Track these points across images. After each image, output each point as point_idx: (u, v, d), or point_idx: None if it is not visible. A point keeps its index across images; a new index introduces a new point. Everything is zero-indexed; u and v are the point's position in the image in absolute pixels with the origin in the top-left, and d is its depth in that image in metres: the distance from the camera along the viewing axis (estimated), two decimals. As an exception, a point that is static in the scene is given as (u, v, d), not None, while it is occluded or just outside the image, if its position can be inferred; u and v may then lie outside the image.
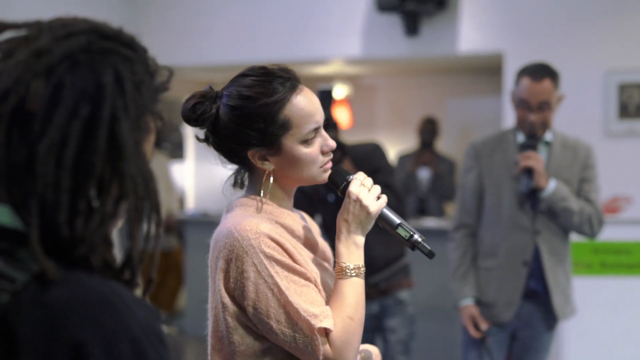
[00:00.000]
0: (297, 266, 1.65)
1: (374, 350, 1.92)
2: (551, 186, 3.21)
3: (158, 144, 6.92)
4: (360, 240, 1.72)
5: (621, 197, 5.37)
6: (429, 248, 1.72)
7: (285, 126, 1.67)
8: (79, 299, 0.95)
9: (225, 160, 1.76)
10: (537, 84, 3.20)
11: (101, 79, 0.99)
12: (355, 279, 1.69)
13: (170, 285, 7.09)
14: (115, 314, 0.95)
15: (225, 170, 1.80)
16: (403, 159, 7.08)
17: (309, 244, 1.77)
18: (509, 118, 5.30)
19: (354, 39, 6.03)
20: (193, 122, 1.71)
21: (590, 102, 5.41)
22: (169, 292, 7.10)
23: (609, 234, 4.10)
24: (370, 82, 8.63)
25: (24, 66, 0.98)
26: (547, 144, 3.33)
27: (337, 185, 1.75)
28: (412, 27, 5.77)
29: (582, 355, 4.72)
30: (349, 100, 8.35)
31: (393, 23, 5.87)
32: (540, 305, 3.34)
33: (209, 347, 1.73)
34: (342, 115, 8.09)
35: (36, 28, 1.02)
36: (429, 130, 7.09)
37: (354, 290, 1.68)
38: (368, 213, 1.70)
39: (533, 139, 3.28)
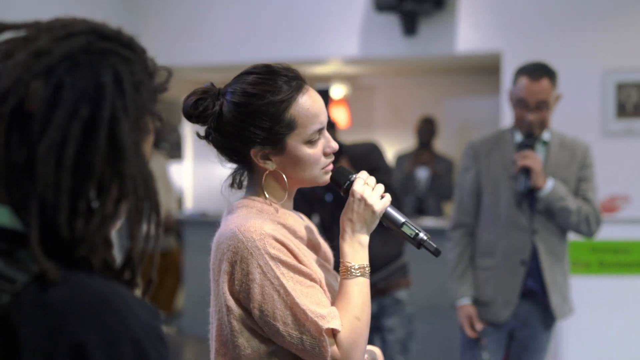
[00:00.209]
0: (302, 267, 1.62)
1: (377, 351, 1.91)
2: (549, 185, 3.22)
3: (156, 144, 6.91)
4: (365, 239, 1.70)
5: (619, 196, 5.37)
6: (434, 246, 1.70)
7: (291, 125, 1.65)
8: (79, 300, 0.95)
9: (224, 158, 1.73)
10: (535, 84, 3.20)
11: (100, 80, 0.99)
12: (361, 278, 1.67)
13: (169, 286, 7.08)
14: (116, 314, 0.95)
15: (223, 170, 1.78)
16: (401, 158, 7.08)
17: (312, 244, 1.76)
18: (507, 117, 5.30)
19: (352, 38, 6.03)
20: (195, 119, 1.69)
21: (588, 101, 5.42)
22: (167, 292, 7.09)
23: (606, 233, 4.10)
24: (369, 81, 8.63)
25: (24, 67, 0.97)
26: (545, 143, 3.33)
27: (340, 185, 1.73)
28: (410, 26, 5.78)
29: (580, 354, 4.72)
30: (347, 100, 8.34)
31: (391, 23, 5.88)
32: (538, 305, 3.34)
33: (213, 352, 1.69)
34: (340, 115, 8.09)
35: (35, 29, 1.02)
36: (427, 130, 7.10)
37: (359, 290, 1.66)
38: (373, 212, 1.68)
39: (531, 139, 3.28)
